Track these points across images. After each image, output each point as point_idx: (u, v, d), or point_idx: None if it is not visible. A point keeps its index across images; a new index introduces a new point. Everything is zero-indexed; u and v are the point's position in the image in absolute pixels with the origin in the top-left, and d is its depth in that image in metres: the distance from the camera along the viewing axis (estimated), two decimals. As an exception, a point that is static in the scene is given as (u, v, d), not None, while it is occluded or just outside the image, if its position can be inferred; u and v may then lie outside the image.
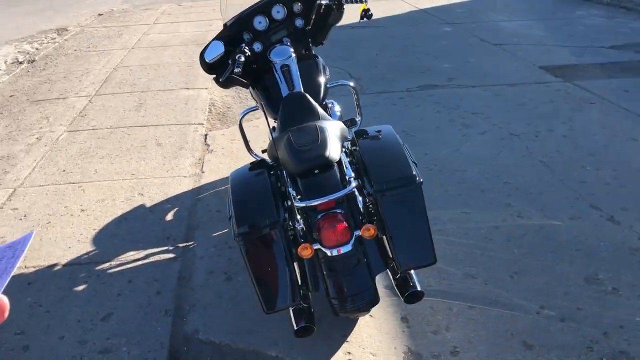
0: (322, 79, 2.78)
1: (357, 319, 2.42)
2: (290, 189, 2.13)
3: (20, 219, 3.30)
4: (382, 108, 4.79)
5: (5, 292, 0.82)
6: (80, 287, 2.70)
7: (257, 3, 2.91)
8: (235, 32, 2.92)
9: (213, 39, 2.79)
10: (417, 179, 2.05)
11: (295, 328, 2.05)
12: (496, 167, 3.66)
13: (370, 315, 2.42)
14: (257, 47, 2.89)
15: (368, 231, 2.02)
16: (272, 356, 2.24)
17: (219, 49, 2.78)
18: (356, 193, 2.13)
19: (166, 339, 2.35)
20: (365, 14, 2.88)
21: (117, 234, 3.12)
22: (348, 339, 2.31)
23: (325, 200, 2.04)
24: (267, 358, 2.23)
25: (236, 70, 2.54)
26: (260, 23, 2.91)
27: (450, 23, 7.86)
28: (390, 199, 2.03)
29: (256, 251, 2.01)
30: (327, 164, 2.11)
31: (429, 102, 4.87)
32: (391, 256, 2.07)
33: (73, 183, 3.70)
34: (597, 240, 2.88)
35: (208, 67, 2.71)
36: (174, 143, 4.26)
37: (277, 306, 1.99)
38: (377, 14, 7.69)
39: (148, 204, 3.42)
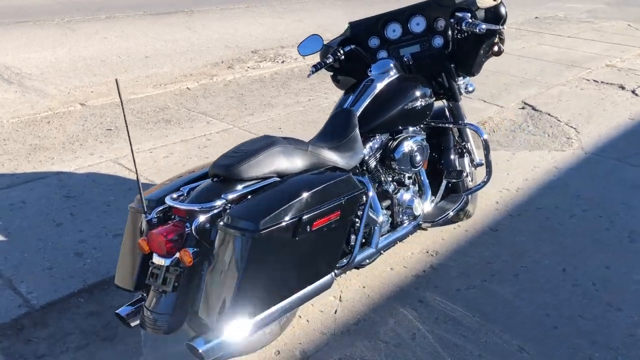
0: (397, 107, 2.67)
1: None
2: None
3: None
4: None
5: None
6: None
7: (398, 9, 2.89)
8: (362, 34, 2.92)
9: (314, 35, 2.85)
10: (259, 229, 1.83)
11: (117, 310, 2.10)
12: None
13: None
14: (382, 54, 2.89)
15: (185, 256, 1.88)
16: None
17: (316, 44, 2.78)
18: None
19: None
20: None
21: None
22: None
23: (176, 206, 1.97)
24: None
25: (312, 72, 2.79)
26: (394, 31, 2.89)
27: None
28: (223, 237, 1.89)
29: (133, 227, 2.08)
30: (224, 175, 2.05)
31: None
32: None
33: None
34: None
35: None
36: None
37: (120, 284, 2.09)
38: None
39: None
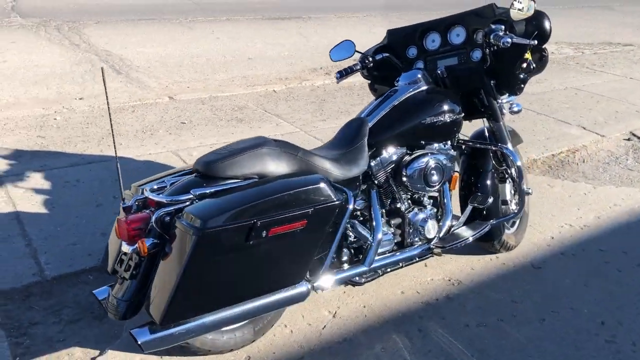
0: (415, 120, 2.54)
1: None
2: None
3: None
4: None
5: None
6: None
7: (439, 18, 2.79)
8: (400, 42, 2.86)
9: (347, 40, 2.80)
10: (204, 227, 1.80)
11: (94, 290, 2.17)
12: None
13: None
14: (419, 65, 2.80)
15: (141, 245, 1.89)
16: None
17: (349, 50, 2.78)
18: None
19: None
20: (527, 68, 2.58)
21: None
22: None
23: (148, 196, 2.00)
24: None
25: (338, 78, 2.79)
26: (433, 42, 2.80)
27: None
28: (176, 232, 1.90)
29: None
30: (203, 171, 2.06)
31: None
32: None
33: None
34: None
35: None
36: None
37: (105, 266, 2.16)
38: None
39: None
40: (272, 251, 1.99)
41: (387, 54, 2.82)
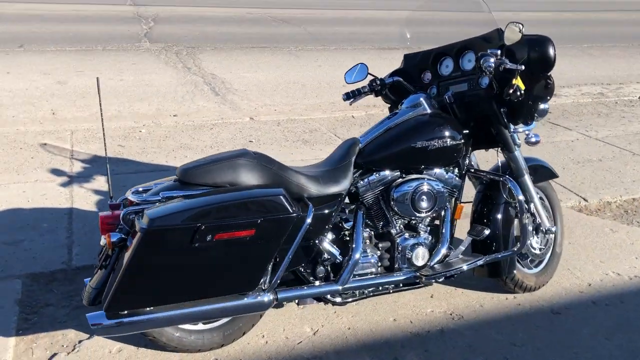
0: (406, 143, 2.50)
1: None
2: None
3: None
4: None
5: None
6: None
7: (451, 43, 2.74)
8: (415, 66, 2.86)
9: (361, 63, 2.84)
10: (150, 226, 1.94)
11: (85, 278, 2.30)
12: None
13: None
14: (433, 90, 2.76)
15: (106, 239, 2.09)
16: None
17: (362, 73, 2.86)
18: None
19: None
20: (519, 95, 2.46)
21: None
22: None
23: (127, 196, 2.21)
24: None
25: (345, 100, 2.85)
26: (447, 67, 2.77)
27: None
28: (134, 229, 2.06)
29: None
30: (180, 178, 2.22)
31: None
32: None
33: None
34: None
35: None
36: None
37: None
38: None
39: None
40: (219, 255, 2.08)
41: (398, 78, 2.82)
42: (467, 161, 2.75)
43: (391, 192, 2.51)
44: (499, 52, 2.46)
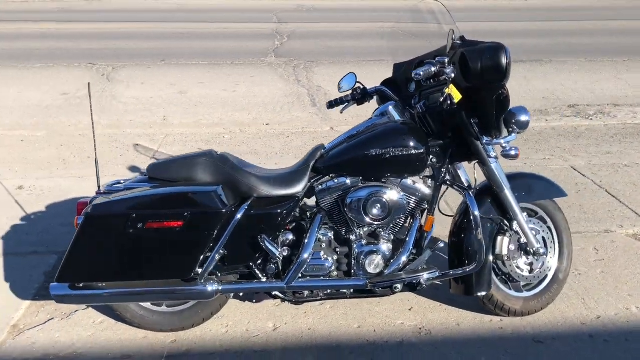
0: (361, 151, 2.53)
1: None
2: None
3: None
4: None
5: None
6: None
7: (431, 52, 2.69)
8: (402, 75, 2.82)
9: (350, 73, 2.88)
10: (88, 212, 2.30)
11: None
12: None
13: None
14: (415, 101, 2.72)
15: (75, 220, 2.37)
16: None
17: (351, 82, 2.89)
18: None
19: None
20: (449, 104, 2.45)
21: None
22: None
23: (102, 188, 2.55)
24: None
25: (328, 108, 2.95)
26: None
27: None
28: None
29: None
30: (147, 172, 2.55)
31: None
32: None
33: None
34: None
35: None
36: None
37: None
38: None
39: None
40: (152, 242, 2.33)
41: (381, 87, 2.84)
42: (443, 173, 2.67)
43: (346, 198, 2.56)
44: (446, 60, 2.40)
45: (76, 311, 2.87)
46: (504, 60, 2.33)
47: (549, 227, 2.82)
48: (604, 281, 3.10)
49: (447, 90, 2.39)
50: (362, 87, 2.88)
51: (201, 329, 2.72)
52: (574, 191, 4.23)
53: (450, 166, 2.71)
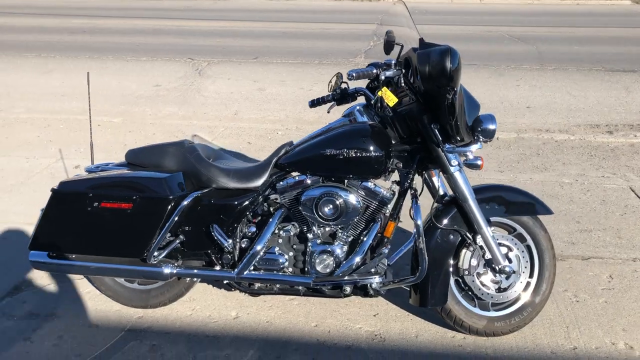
0: (317, 150, 2.53)
1: None
2: None
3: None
4: None
5: None
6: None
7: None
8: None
9: (338, 73, 2.85)
10: (55, 189, 2.53)
11: None
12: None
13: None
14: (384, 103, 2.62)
15: None
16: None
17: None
18: None
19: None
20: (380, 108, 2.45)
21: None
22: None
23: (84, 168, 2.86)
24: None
25: (310, 106, 2.93)
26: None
27: None
28: None
29: None
30: (125, 158, 2.81)
31: None
32: None
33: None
34: None
35: None
36: None
37: None
38: None
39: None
40: (106, 221, 2.53)
41: (360, 88, 2.81)
42: (410, 179, 2.59)
43: (301, 196, 2.58)
44: (392, 62, 2.33)
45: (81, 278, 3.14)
46: (448, 64, 2.23)
47: (527, 246, 2.63)
48: (602, 312, 2.83)
49: (379, 93, 2.33)
50: (345, 87, 2.86)
51: (170, 308, 2.88)
52: (618, 214, 3.87)
53: (425, 172, 2.63)
